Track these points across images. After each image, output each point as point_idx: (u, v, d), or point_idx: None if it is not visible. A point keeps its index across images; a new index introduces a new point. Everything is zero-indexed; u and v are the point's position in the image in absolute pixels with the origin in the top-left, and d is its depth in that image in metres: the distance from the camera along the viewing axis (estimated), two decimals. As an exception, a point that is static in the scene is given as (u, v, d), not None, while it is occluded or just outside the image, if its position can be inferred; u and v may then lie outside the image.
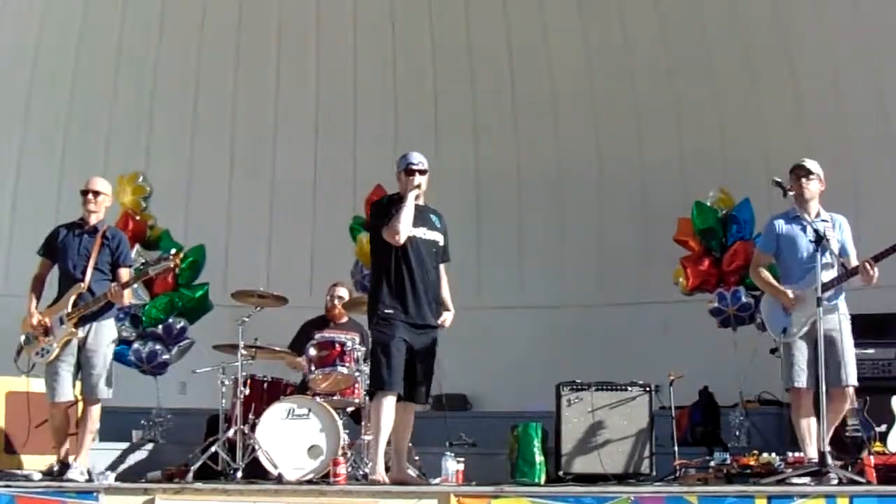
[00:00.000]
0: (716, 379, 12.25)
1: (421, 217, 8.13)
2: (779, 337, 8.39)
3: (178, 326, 12.73)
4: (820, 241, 8.04)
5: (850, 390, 8.27)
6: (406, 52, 15.88)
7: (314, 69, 16.02)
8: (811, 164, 8.51)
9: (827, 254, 8.23)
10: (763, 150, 13.80)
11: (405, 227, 7.89)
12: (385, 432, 7.93)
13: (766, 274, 8.61)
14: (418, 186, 8.06)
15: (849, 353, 8.27)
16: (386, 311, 7.94)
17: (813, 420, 8.21)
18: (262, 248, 15.57)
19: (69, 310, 8.67)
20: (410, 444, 9.17)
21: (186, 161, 15.56)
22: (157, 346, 12.60)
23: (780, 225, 8.58)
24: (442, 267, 8.40)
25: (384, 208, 8.09)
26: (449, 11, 15.68)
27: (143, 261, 11.51)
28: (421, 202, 8.21)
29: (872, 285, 8.24)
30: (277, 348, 10.05)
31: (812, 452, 8.01)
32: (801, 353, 8.25)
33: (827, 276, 8.19)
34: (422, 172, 8.13)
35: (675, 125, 14.86)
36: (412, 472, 8.55)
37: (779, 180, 8.36)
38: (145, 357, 12.51)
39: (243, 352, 9.53)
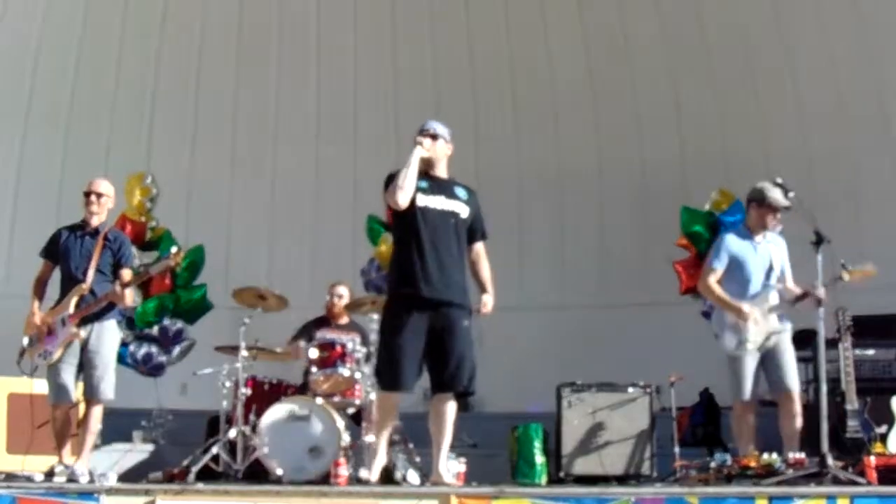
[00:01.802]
0: (716, 380, 12.24)
1: (439, 186, 7.58)
2: (731, 350, 8.43)
3: (175, 328, 12.78)
4: (820, 242, 8.06)
5: (794, 394, 8.46)
6: (407, 53, 15.97)
7: (315, 70, 16.11)
8: (790, 197, 8.50)
9: (773, 275, 8.50)
10: (763, 150, 13.81)
11: (405, 186, 7.30)
12: (383, 430, 7.80)
13: (717, 288, 8.59)
14: (420, 144, 7.51)
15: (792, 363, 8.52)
16: (397, 290, 7.45)
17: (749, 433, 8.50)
18: (263, 249, 15.60)
19: (71, 311, 8.65)
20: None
21: (187, 162, 15.63)
22: (153, 349, 12.63)
23: (731, 241, 8.67)
24: (480, 245, 7.80)
25: (391, 176, 7.49)
26: (450, 14, 15.74)
27: (141, 262, 11.50)
28: (444, 174, 7.72)
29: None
30: (279, 350, 10.06)
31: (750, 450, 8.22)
32: (749, 367, 8.42)
33: (772, 298, 8.45)
34: (433, 136, 7.60)
35: (676, 126, 14.94)
36: (448, 476, 7.91)
37: (780, 181, 8.37)
38: (140, 359, 12.57)
39: (244, 353, 9.53)
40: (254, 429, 9.02)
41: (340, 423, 9.00)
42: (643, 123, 15.16)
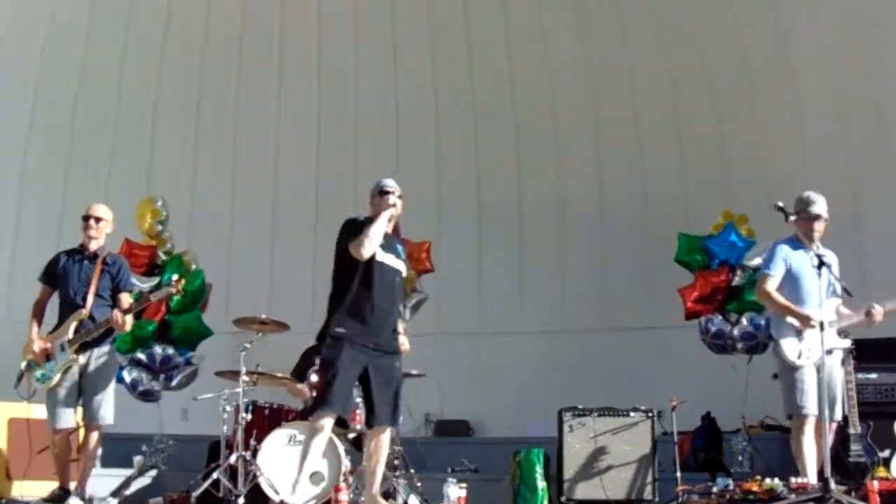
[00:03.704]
0: (718, 404, 12.22)
1: (390, 245, 8.03)
2: (794, 361, 8.15)
3: (163, 354, 12.69)
4: (822, 266, 7.93)
5: (837, 422, 8.32)
6: (408, 77, 15.97)
7: (315, 92, 16.11)
8: (822, 206, 8.35)
9: (831, 285, 8.14)
10: (765, 172, 13.74)
11: (374, 242, 7.74)
12: (313, 454, 7.76)
13: (779, 295, 8.32)
14: (393, 206, 7.91)
15: (841, 389, 8.31)
16: (339, 329, 7.73)
17: (814, 447, 8.12)
18: (264, 273, 15.62)
19: (70, 336, 8.63)
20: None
21: (188, 185, 15.64)
22: (143, 374, 12.59)
23: (787, 250, 8.39)
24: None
25: (357, 227, 7.87)
26: (450, 38, 15.74)
27: (141, 288, 11.44)
28: (390, 230, 8.11)
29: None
30: (279, 374, 9.99)
31: (814, 479, 7.94)
32: (812, 378, 8.08)
33: (831, 305, 8.16)
34: (397, 196, 8.00)
35: (677, 151, 14.88)
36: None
37: (781, 205, 8.18)
38: (129, 384, 12.49)
39: (245, 378, 9.45)
40: (254, 454, 8.96)
41: (341, 448, 8.95)
42: (644, 149, 15.09)
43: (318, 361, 9.45)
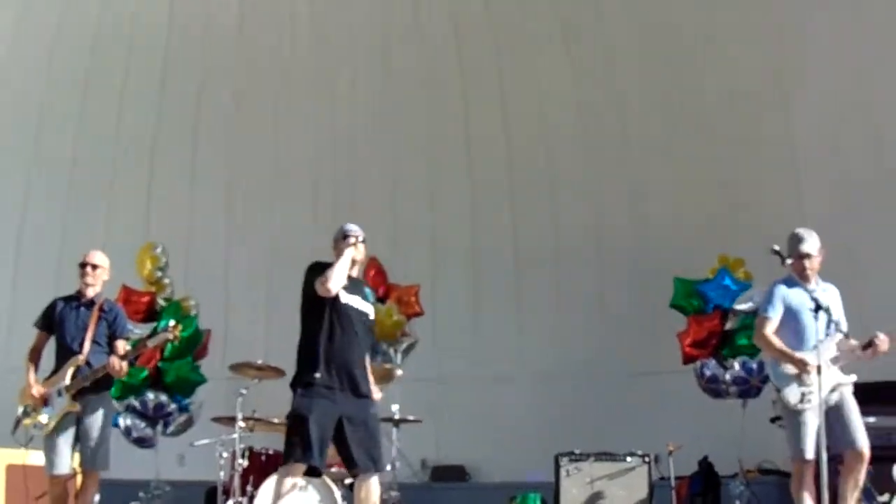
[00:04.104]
0: (715, 448, 12.20)
1: (355, 288, 8.01)
2: (795, 405, 8.05)
3: (156, 401, 12.67)
4: (818, 310, 7.92)
5: (866, 454, 8.10)
6: (404, 126, 16.04)
7: (312, 136, 16.21)
8: (811, 243, 8.28)
9: (831, 324, 8.10)
10: (761, 214, 13.72)
11: (338, 279, 7.72)
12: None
13: (776, 339, 8.24)
14: (353, 245, 7.94)
15: (858, 417, 8.17)
16: (313, 376, 7.68)
17: (813, 492, 8.06)
18: (261, 317, 15.57)
19: (67, 382, 8.59)
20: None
21: (185, 230, 15.68)
22: (137, 421, 12.57)
23: (784, 290, 8.30)
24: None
25: (322, 268, 7.87)
26: (445, 85, 15.86)
27: (140, 335, 11.43)
28: (356, 274, 8.15)
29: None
30: (276, 420, 9.94)
31: None
32: (813, 422, 7.94)
33: (832, 341, 8.13)
34: (358, 240, 8.03)
35: (673, 194, 14.85)
36: None
37: (777, 248, 8.14)
38: (124, 431, 12.50)
39: (241, 424, 9.46)
40: (251, 500, 8.94)
41: (338, 493, 8.95)
42: (640, 192, 15.09)
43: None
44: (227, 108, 16.15)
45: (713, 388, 12.58)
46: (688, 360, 12.72)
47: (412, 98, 16.00)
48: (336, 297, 7.79)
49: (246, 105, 16.16)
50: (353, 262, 7.98)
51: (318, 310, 7.85)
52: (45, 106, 15.38)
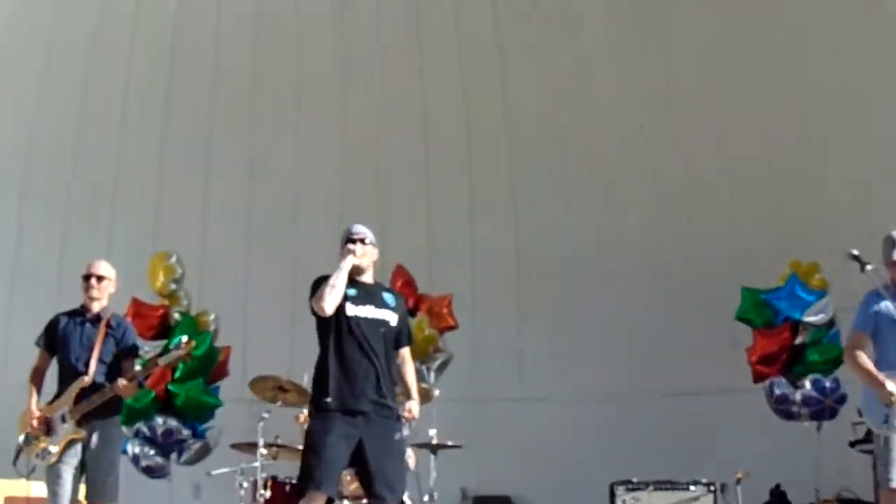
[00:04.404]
0: (788, 475, 12.14)
1: (368, 295, 7.85)
2: (879, 428, 7.92)
3: (165, 427, 12.69)
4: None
5: None
6: (438, 126, 16.14)
7: (338, 140, 16.35)
8: None
9: None
10: (823, 220, 13.74)
11: (332, 296, 7.59)
12: None
13: (865, 359, 8.09)
14: (352, 252, 7.76)
15: None
16: (324, 400, 7.60)
17: None
18: (284, 338, 15.44)
19: (72, 407, 8.58)
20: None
21: (198, 242, 15.71)
22: (146, 448, 12.60)
23: (877, 302, 8.12)
24: (405, 350, 8.12)
25: (321, 282, 7.76)
26: (485, 82, 16.01)
27: (153, 353, 11.47)
28: (370, 280, 8.01)
29: None
30: (301, 447, 9.97)
31: None
32: None
33: None
34: (362, 242, 7.88)
35: (729, 198, 14.93)
36: None
37: (856, 253, 8.06)
38: (131, 459, 12.52)
39: (263, 451, 9.48)
40: (273, 535, 8.95)
41: (361, 524, 8.93)
42: (696, 193, 15.15)
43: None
44: (243, 105, 16.25)
45: (784, 409, 12.49)
46: (758, 377, 12.64)
47: (448, 101, 16.20)
48: (341, 312, 7.70)
49: (265, 102, 16.25)
50: (361, 269, 7.88)
51: (325, 328, 7.78)
52: (42, 100, 15.46)
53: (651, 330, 14.95)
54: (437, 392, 10.82)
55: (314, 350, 9.16)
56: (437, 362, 14.05)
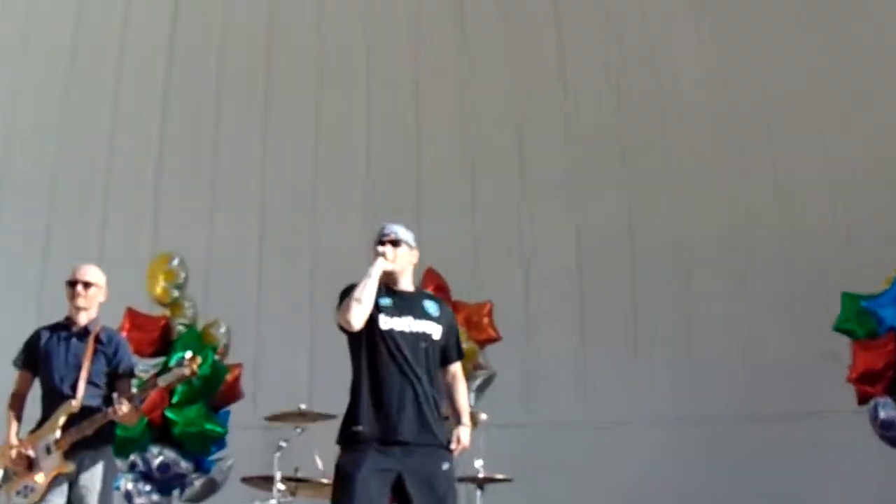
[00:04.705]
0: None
1: (407, 304, 7.61)
2: None
3: (158, 460, 12.52)
4: None
5: None
6: (481, 118, 16.11)
7: (365, 137, 16.28)
8: None
9: None
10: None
11: (359, 309, 7.37)
12: None
13: None
14: (383, 255, 7.50)
15: None
16: (354, 427, 7.39)
17: None
18: (303, 353, 15.52)
19: (58, 436, 8.45)
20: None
21: (204, 243, 15.59)
22: (140, 485, 12.49)
23: None
24: (455, 366, 7.89)
25: (348, 292, 7.57)
26: (542, 72, 15.99)
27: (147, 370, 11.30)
28: (410, 287, 7.77)
29: None
30: (325, 481, 9.70)
31: None
32: None
33: None
34: (394, 243, 7.61)
35: (831, 189, 14.69)
36: None
37: None
38: (124, 496, 12.44)
39: (280, 486, 9.43)
40: (293, 583, 8.79)
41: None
42: (789, 194, 15.04)
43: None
44: (252, 84, 16.26)
45: (890, 435, 12.14)
46: (863, 398, 12.32)
47: (497, 95, 16.15)
48: (374, 325, 7.47)
49: (280, 79, 16.23)
50: (395, 275, 7.63)
51: (356, 344, 7.57)
52: (20, 81, 15.46)
53: (737, 344, 14.80)
54: (483, 416, 10.63)
55: (340, 367, 8.94)
56: (478, 381, 13.83)
